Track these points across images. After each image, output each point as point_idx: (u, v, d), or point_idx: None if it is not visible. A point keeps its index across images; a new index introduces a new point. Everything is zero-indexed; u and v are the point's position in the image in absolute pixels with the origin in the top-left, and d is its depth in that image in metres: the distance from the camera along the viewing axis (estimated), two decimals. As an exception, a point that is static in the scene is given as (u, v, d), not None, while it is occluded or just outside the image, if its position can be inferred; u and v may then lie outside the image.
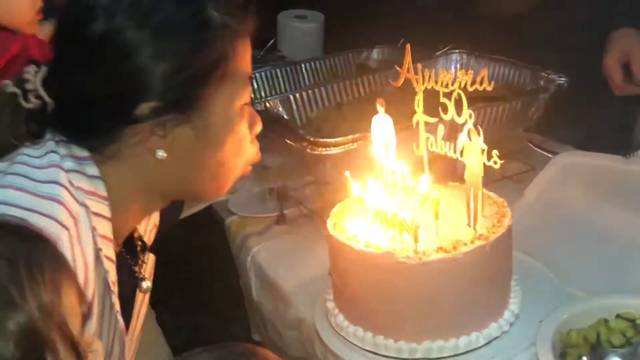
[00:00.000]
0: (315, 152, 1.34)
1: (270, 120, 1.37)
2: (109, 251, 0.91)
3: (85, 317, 0.69)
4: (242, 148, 0.97)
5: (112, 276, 0.92)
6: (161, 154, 0.90)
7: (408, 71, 1.08)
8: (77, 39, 0.89)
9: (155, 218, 1.12)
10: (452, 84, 1.02)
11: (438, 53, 1.86)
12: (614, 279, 1.14)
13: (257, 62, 1.90)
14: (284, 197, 1.55)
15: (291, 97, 1.68)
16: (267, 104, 1.62)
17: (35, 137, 0.91)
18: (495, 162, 1.00)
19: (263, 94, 1.87)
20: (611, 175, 1.39)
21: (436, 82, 1.05)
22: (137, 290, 1.05)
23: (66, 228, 0.84)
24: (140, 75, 0.87)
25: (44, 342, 0.61)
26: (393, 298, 1.02)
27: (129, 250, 1.03)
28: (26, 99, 0.90)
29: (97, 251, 0.88)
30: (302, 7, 2.44)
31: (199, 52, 0.88)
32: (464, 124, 1.01)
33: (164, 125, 0.88)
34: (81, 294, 0.69)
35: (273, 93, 1.86)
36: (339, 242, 1.03)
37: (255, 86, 1.87)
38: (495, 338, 1.05)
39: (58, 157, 0.88)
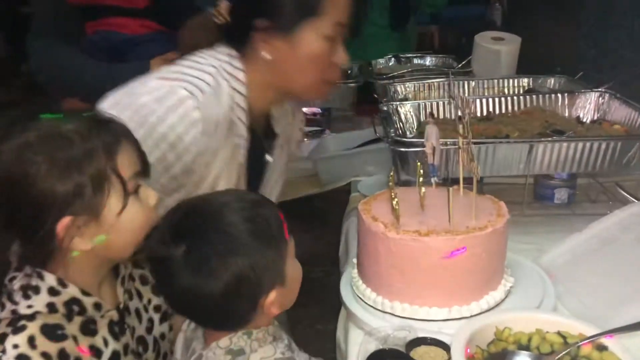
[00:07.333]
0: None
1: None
2: (240, 113, 1.44)
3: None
4: (320, 66, 1.42)
5: (241, 130, 1.45)
6: (268, 56, 1.41)
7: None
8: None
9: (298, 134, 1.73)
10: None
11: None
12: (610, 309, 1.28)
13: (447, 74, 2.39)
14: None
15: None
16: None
17: (210, 45, 1.47)
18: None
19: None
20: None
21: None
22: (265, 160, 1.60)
23: (210, 85, 1.40)
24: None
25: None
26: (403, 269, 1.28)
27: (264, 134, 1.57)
28: (217, 18, 1.49)
29: (231, 108, 1.41)
30: (503, 29, 2.67)
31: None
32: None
33: (270, 38, 1.39)
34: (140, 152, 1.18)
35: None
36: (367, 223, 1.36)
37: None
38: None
39: (217, 54, 1.45)
